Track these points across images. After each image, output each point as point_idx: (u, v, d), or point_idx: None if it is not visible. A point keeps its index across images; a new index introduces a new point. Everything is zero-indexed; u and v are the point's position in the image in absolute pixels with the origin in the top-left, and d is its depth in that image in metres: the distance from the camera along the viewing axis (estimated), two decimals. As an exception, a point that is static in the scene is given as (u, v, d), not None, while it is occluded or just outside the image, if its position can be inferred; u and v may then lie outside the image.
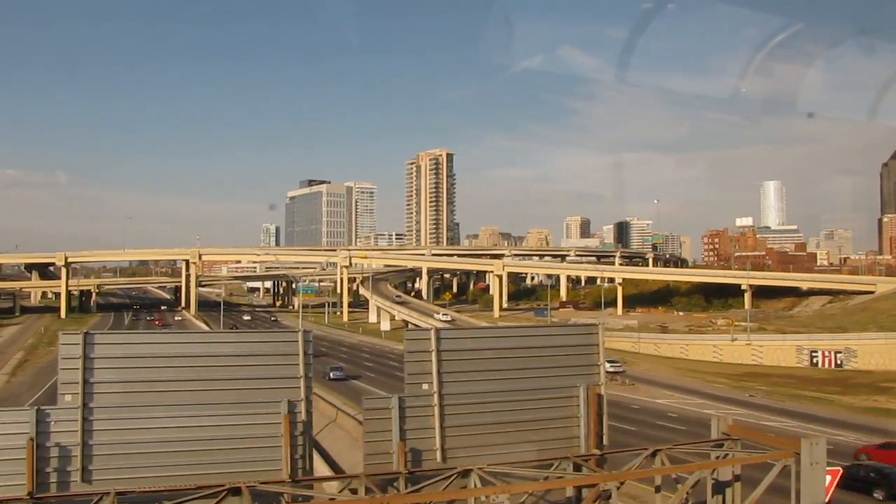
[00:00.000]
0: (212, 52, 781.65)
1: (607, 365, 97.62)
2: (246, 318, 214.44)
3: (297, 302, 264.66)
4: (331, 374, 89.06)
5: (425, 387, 17.51)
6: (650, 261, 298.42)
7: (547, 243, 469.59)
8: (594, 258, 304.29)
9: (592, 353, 18.07)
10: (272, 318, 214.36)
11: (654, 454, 16.68)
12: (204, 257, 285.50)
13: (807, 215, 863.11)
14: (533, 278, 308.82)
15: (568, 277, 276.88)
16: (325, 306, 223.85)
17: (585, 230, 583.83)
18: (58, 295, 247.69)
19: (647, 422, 63.39)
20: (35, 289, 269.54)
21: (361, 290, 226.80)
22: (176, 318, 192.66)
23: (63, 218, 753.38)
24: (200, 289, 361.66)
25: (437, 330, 18.01)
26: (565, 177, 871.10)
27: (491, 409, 17.48)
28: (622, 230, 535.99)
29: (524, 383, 17.69)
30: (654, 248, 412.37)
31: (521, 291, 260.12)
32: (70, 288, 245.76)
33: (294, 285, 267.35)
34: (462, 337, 17.89)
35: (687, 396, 76.91)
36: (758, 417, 65.06)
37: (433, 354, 17.53)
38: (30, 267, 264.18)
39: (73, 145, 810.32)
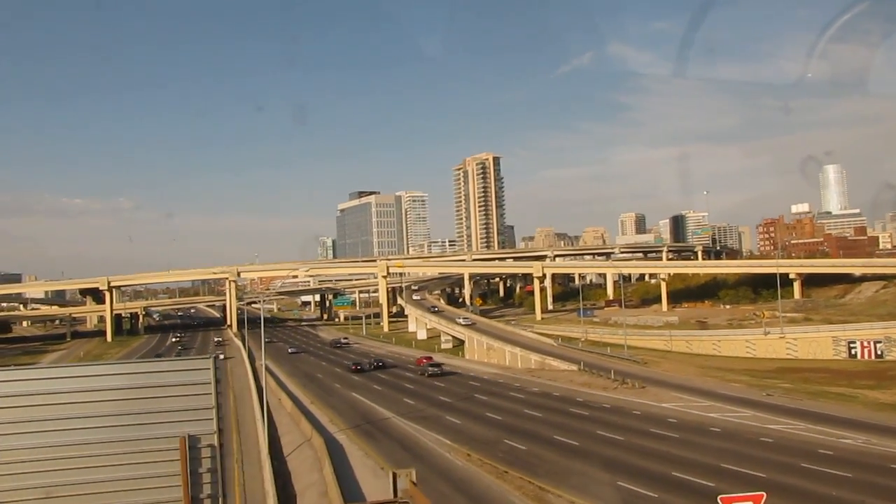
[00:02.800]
0: (255, 67, 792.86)
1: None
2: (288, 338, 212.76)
3: (341, 314, 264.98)
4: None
5: None
6: (699, 254, 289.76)
7: (604, 241, 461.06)
8: (641, 254, 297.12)
9: (205, 394, 14.15)
10: (314, 333, 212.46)
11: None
12: (255, 274, 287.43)
13: (872, 199, 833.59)
14: (584, 278, 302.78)
15: (620, 275, 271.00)
16: (369, 317, 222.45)
17: (641, 226, 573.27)
18: (116, 318, 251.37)
19: (640, 430, 58.56)
20: (89, 313, 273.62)
21: (399, 300, 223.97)
22: (215, 339, 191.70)
23: (126, 242, 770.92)
24: (253, 306, 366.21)
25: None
26: (620, 173, 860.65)
27: (61, 466, 13.66)
28: (678, 224, 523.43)
29: (109, 433, 13.87)
30: (713, 240, 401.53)
31: (568, 292, 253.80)
32: (118, 311, 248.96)
33: (333, 298, 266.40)
34: (22, 379, 13.88)
35: (697, 399, 71.53)
36: (763, 420, 59.68)
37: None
38: (84, 292, 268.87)
39: (132, 170, 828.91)
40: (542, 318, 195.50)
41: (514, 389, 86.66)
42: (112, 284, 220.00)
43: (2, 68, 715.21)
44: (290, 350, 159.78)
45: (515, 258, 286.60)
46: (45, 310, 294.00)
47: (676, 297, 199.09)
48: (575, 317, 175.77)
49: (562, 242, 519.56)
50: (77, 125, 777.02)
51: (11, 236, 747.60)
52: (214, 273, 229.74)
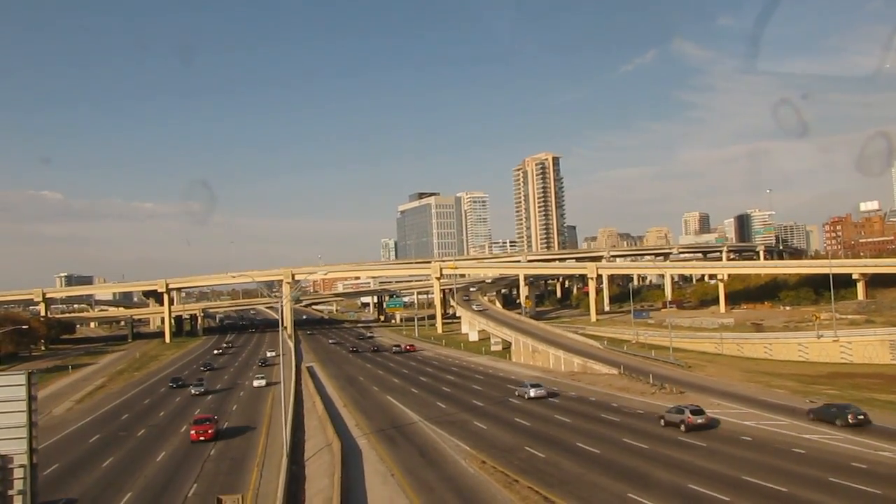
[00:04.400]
0: (317, 68, 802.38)
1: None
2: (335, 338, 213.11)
3: (398, 316, 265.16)
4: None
5: None
6: (761, 254, 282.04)
7: (667, 241, 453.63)
8: (701, 255, 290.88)
9: (17, 412, 13.08)
10: (368, 335, 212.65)
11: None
12: (309, 276, 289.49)
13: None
14: (643, 279, 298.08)
15: (679, 276, 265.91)
16: (424, 319, 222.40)
17: (704, 226, 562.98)
18: (177, 320, 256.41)
19: (667, 438, 56.53)
20: (150, 315, 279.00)
21: (452, 302, 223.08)
22: (267, 353, 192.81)
23: (191, 245, 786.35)
24: (314, 307, 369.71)
25: None
26: (684, 172, 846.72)
27: None
28: (743, 223, 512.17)
29: None
30: (778, 240, 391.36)
31: (626, 293, 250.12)
32: (177, 312, 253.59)
33: (387, 300, 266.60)
34: None
35: (735, 405, 68.69)
36: (800, 429, 56.84)
37: None
38: (147, 294, 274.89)
39: (199, 174, 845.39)
40: (597, 320, 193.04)
41: (674, 427, 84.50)
42: (170, 287, 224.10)
43: (73, 79, 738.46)
44: (349, 350, 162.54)
45: (570, 259, 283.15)
46: (110, 311, 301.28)
47: (735, 299, 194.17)
48: (631, 318, 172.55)
49: (625, 243, 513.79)
50: (147, 131, 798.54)
51: (85, 239, 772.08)
52: (269, 275, 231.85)
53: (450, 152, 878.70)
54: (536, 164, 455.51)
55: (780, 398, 72.58)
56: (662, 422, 62.14)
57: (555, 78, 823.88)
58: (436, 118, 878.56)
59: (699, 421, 59.15)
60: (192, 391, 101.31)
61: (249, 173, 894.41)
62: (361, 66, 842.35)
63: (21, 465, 13.05)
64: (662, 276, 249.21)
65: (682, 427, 59.20)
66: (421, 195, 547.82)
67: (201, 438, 64.53)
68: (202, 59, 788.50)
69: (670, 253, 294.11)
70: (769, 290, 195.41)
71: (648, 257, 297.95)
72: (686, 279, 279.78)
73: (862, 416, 56.91)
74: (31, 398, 13.08)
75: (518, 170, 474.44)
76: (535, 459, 51.56)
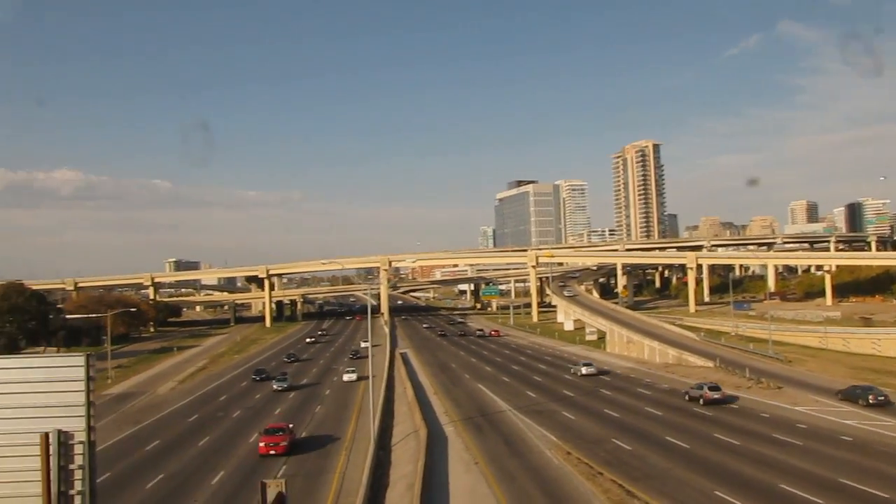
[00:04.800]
0: (417, 57, 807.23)
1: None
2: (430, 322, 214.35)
3: (493, 304, 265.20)
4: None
5: None
6: (873, 245, 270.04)
7: (772, 231, 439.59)
8: (807, 245, 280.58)
9: (77, 391, 13.60)
10: (459, 321, 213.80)
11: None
12: (406, 263, 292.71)
13: None
14: (746, 269, 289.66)
15: (785, 267, 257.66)
16: (520, 307, 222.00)
17: (812, 215, 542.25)
18: (277, 305, 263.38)
19: (761, 434, 54.59)
20: (252, 300, 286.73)
21: (547, 290, 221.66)
22: (362, 344, 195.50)
23: (291, 232, 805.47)
24: (411, 294, 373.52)
25: None
26: (791, 159, 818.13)
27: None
28: (854, 212, 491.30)
29: None
30: (895, 230, 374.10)
31: (727, 284, 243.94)
32: (278, 298, 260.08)
33: (483, 288, 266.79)
34: None
35: (837, 403, 66.12)
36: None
37: None
38: (249, 279, 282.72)
39: (301, 163, 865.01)
40: (696, 311, 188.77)
41: (643, 385, 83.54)
42: (270, 272, 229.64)
43: (185, 70, 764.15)
44: (438, 334, 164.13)
45: (669, 248, 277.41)
46: (214, 296, 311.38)
47: (843, 291, 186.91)
48: (731, 310, 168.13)
49: (727, 232, 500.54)
50: (250, 121, 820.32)
51: (192, 226, 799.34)
52: (367, 262, 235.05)
53: (548, 140, 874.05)
54: (636, 152, 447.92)
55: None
56: (686, 397, 71.69)
57: (656, 64, 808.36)
58: (534, 105, 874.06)
59: (715, 396, 68.28)
60: (275, 386, 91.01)
61: (349, 162, 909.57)
62: (459, 54, 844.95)
63: (80, 442, 13.56)
64: (765, 266, 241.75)
65: (701, 401, 68.73)
66: (519, 183, 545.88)
67: (272, 452, 54.59)
68: (305, 47, 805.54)
69: (774, 243, 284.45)
70: (881, 283, 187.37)
71: (751, 247, 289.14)
72: (791, 270, 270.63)
73: (883, 398, 64.87)
74: (89, 378, 13.59)
75: (617, 157, 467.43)
76: (620, 452, 50.92)
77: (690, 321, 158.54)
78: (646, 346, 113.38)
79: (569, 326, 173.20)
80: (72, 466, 13.44)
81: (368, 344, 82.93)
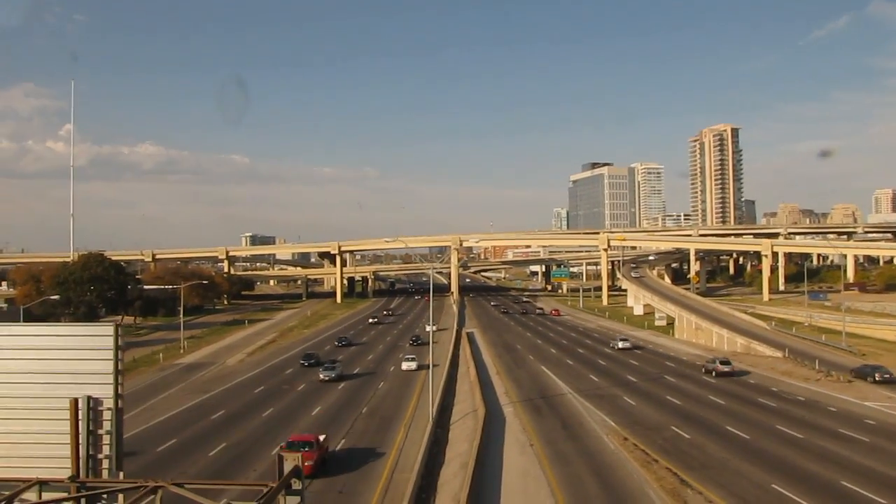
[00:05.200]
0: (494, 38, 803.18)
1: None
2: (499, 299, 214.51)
3: (564, 286, 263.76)
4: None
5: None
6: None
7: (854, 219, 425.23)
8: (890, 235, 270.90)
9: (105, 360, 14.19)
10: (524, 300, 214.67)
11: (154, 490, 12.42)
12: (477, 243, 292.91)
13: None
14: (825, 259, 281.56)
15: (866, 257, 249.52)
16: (590, 290, 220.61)
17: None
18: (349, 281, 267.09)
19: (826, 429, 53.42)
20: (325, 275, 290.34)
21: (618, 274, 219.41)
22: (428, 328, 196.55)
23: (367, 209, 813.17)
24: (483, 274, 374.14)
25: None
26: (879, 145, 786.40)
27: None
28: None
29: (7, 390, 14.36)
30: None
31: (803, 273, 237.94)
32: (349, 274, 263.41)
33: (553, 269, 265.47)
34: None
35: (908, 400, 64.17)
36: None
37: None
38: (322, 255, 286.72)
39: (378, 140, 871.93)
40: (770, 300, 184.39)
41: (709, 373, 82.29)
42: (342, 249, 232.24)
43: (265, 46, 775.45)
44: (502, 311, 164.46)
45: (745, 234, 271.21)
46: (288, 271, 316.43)
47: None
48: (806, 299, 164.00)
49: (807, 220, 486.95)
50: (331, 95, 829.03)
51: (269, 201, 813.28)
52: (436, 241, 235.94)
53: (624, 122, 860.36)
54: (714, 136, 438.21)
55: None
56: (703, 370, 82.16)
57: (737, 47, 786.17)
58: (610, 87, 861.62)
59: (725, 369, 78.91)
60: (322, 376, 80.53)
61: (425, 140, 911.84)
62: (536, 36, 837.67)
63: (109, 408, 14.24)
64: (845, 256, 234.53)
65: (713, 374, 79.34)
66: (594, 165, 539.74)
67: None
68: (387, 27, 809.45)
69: (854, 232, 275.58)
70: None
71: (830, 236, 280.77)
72: (873, 261, 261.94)
73: (888, 375, 71.23)
74: (117, 348, 14.24)
75: (694, 141, 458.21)
76: (679, 440, 50.45)
77: (763, 310, 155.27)
78: (714, 333, 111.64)
79: (638, 311, 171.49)
80: (100, 431, 14.13)
81: (430, 328, 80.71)
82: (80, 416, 13.84)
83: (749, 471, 42.28)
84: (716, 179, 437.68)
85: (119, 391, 14.27)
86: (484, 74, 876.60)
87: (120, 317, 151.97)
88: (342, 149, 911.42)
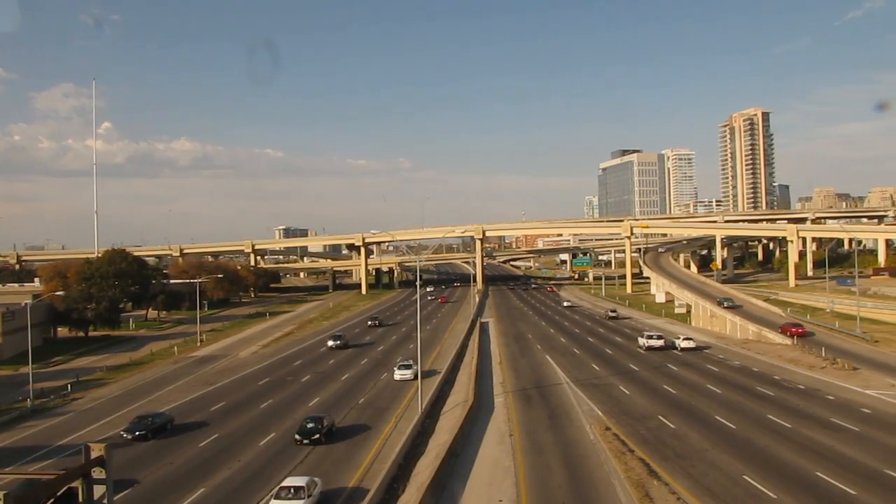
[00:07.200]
0: (525, 33, 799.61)
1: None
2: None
3: (590, 274, 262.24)
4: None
5: None
6: None
7: (892, 202, 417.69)
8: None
9: None
10: (548, 289, 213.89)
11: None
12: (499, 233, 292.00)
13: None
14: (859, 243, 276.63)
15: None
16: (614, 279, 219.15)
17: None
18: (376, 272, 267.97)
19: (817, 417, 52.58)
20: (352, 267, 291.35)
21: (641, 262, 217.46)
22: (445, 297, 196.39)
23: (395, 199, 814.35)
24: (511, 263, 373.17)
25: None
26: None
27: None
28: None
29: None
30: None
31: (833, 258, 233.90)
32: (375, 265, 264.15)
33: (573, 258, 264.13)
34: None
35: (916, 388, 62.83)
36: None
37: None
38: (350, 247, 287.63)
39: (411, 132, 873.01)
40: (796, 286, 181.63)
41: (714, 362, 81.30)
42: (367, 241, 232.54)
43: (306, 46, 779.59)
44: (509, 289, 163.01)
45: (779, 220, 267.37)
46: (314, 263, 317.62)
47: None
48: (833, 285, 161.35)
49: (843, 203, 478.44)
50: (365, 88, 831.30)
51: (302, 195, 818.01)
52: (461, 231, 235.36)
53: (654, 108, 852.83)
54: (745, 120, 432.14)
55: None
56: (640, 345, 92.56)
57: (770, 28, 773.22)
58: (640, 72, 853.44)
59: (655, 345, 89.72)
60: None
61: (456, 130, 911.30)
62: (564, 29, 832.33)
63: None
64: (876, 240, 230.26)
65: (643, 349, 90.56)
66: (624, 152, 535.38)
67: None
68: (419, 23, 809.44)
69: (885, 216, 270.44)
70: None
71: (863, 220, 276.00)
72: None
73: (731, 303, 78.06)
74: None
75: (725, 126, 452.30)
76: (662, 430, 49.93)
77: (787, 296, 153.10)
78: (728, 320, 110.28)
79: (660, 299, 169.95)
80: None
81: (416, 366, 71.63)
82: None
83: (724, 461, 41.73)
84: (746, 164, 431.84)
85: None
86: (508, 66, 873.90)
87: (144, 311, 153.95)
88: (376, 141, 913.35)
